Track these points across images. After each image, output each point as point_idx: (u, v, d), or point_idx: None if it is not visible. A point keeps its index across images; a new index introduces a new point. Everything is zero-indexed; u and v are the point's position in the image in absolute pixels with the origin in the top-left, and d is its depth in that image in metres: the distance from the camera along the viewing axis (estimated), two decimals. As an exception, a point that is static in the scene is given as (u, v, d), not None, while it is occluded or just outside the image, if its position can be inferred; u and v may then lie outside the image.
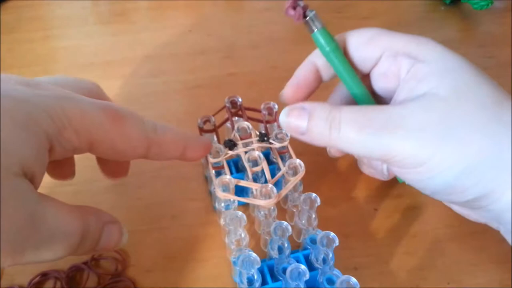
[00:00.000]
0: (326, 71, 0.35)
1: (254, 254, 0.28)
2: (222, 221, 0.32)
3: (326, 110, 0.29)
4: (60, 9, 0.56)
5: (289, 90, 0.35)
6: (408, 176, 0.30)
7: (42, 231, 0.22)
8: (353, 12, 0.57)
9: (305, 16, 0.31)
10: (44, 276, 0.33)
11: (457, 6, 0.58)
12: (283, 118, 0.31)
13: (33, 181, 0.23)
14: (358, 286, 0.28)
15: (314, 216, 0.32)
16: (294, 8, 0.31)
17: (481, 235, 0.35)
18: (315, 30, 0.32)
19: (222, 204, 0.33)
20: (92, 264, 0.34)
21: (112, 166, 0.33)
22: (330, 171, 0.40)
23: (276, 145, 0.34)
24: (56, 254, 0.24)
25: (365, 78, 0.34)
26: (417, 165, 0.28)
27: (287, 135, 0.34)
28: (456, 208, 0.34)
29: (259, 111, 0.36)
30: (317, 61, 0.34)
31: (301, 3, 0.31)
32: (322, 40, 0.32)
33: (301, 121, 0.30)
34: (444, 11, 0.58)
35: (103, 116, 0.26)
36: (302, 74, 0.35)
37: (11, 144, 0.22)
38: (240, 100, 0.37)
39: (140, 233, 0.36)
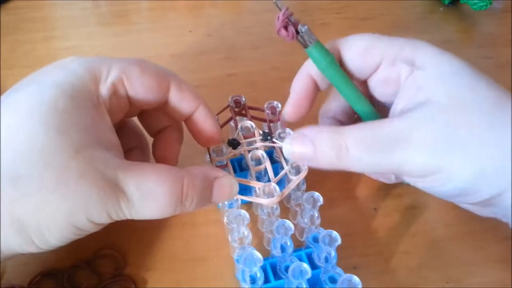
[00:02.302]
0: (323, 81, 0.34)
1: (256, 252, 0.28)
2: (225, 219, 0.32)
3: (329, 137, 0.29)
4: (61, 10, 0.56)
5: (290, 109, 0.34)
6: (420, 184, 0.30)
7: (127, 193, 0.25)
8: (352, 13, 0.57)
9: (297, 33, 0.30)
10: (45, 275, 0.33)
11: (456, 6, 0.58)
12: (287, 149, 0.30)
13: (111, 148, 0.27)
14: (360, 285, 0.28)
15: (316, 215, 0.32)
16: (286, 28, 0.30)
17: (480, 235, 0.35)
18: (309, 45, 0.31)
19: (225, 203, 0.33)
20: (93, 263, 0.34)
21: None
22: (331, 170, 0.40)
23: (279, 144, 0.34)
24: (153, 213, 0.27)
25: (362, 84, 0.34)
26: (427, 175, 0.28)
27: (290, 134, 0.34)
28: (465, 206, 0.33)
29: (262, 110, 0.36)
30: (311, 71, 0.33)
31: (292, 18, 0.30)
32: (317, 55, 0.31)
33: (305, 149, 0.29)
34: (443, 12, 0.58)
35: (131, 61, 0.31)
36: (299, 89, 0.34)
37: (78, 124, 0.26)
38: (243, 99, 0.37)
39: (140, 232, 0.35)
